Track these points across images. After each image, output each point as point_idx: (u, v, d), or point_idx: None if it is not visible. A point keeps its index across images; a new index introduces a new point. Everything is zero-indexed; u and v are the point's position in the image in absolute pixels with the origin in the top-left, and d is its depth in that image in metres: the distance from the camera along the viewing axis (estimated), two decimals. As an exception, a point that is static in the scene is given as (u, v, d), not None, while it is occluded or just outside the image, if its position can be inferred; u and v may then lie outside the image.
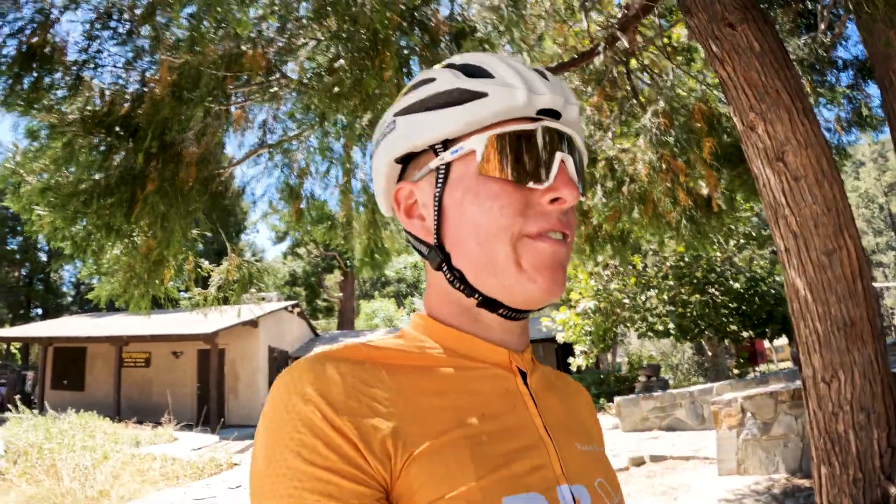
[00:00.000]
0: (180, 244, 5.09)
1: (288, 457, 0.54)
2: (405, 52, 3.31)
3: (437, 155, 0.69)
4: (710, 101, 6.12)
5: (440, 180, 0.68)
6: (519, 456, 0.61)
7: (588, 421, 0.81)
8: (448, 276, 0.68)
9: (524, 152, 0.65)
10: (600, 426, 0.87)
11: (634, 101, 6.44)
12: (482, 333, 0.69)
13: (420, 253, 0.72)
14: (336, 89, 3.32)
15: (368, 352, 0.63)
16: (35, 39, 3.40)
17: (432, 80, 0.71)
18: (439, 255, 0.68)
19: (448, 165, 0.68)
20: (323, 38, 3.35)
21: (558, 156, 0.66)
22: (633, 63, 6.92)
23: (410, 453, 0.56)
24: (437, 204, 0.68)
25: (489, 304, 0.67)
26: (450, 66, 0.71)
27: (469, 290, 0.67)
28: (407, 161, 0.73)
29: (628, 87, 6.66)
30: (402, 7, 3.14)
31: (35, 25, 3.45)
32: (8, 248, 30.20)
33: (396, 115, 0.72)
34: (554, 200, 0.66)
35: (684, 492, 5.99)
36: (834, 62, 5.98)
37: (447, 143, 0.68)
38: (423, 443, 0.57)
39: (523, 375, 0.71)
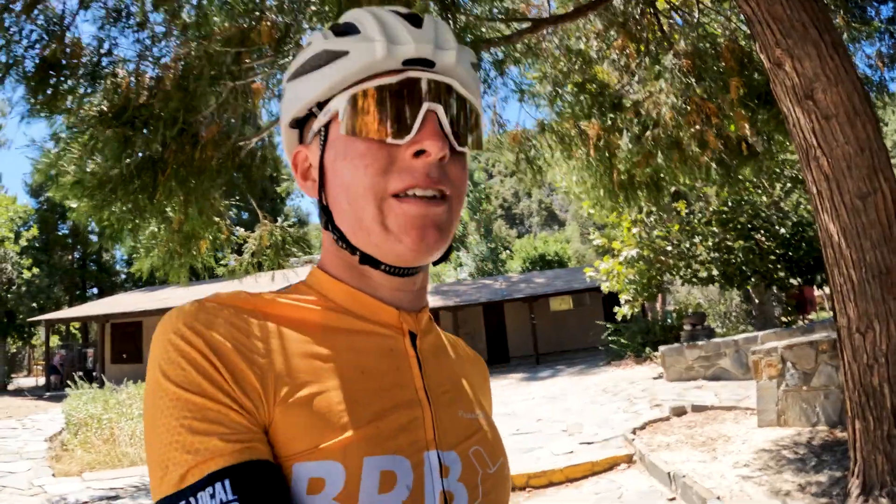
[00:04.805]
0: (206, 220, 5.21)
1: (177, 391, 0.54)
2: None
3: (315, 118, 0.69)
4: (741, 39, 5.77)
5: (322, 142, 0.68)
6: (390, 415, 0.61)
7: (479, 391, 0.80)
8: (332, 234, 0.69)
9: (384, 107, 0.64)
10: (490, 398, 0.88)
11: (662, 42, 6.13)
12: (371, 291, 0.69)
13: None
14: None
15: (255, 301, 0.64)
16: (49, 51, 3.50)
17: (309, 44, 0.71)
18: (323, 215, 0.69)
19: (328, 127, 0.67)
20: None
21: (424, 107, 0.64)
22: (661, 4, 6.57)
23: (280, 402, 0.56)
24: (319, 166, 0.69)
25: (369, 260, 0.67)
26: (335, 24, 0.71)
27: (350, 247, 0.67)
28: (302, 125, 0.73)
29: (655, 28, 6.34)
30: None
31: (49, 35, 3.55)
32: (60, 233, 31.45)
33: (286, 82, 0.72)
34: (419, 154, 0.63)
35: (723, 442, 5.90)
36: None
37: (321, 105, 0.68)
38: (295, 393, 0.57)
39: (413, 337, 0.70)
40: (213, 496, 0.50)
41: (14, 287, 24.52)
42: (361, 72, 0.65)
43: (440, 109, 0.64)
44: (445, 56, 0.67)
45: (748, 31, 5.53)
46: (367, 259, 0.66)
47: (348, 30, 0.68)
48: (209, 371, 0.55)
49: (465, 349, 0.86)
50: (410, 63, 0.66)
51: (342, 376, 0.61)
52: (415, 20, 0.68)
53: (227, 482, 0.51)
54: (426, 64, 0.67)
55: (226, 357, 0.57)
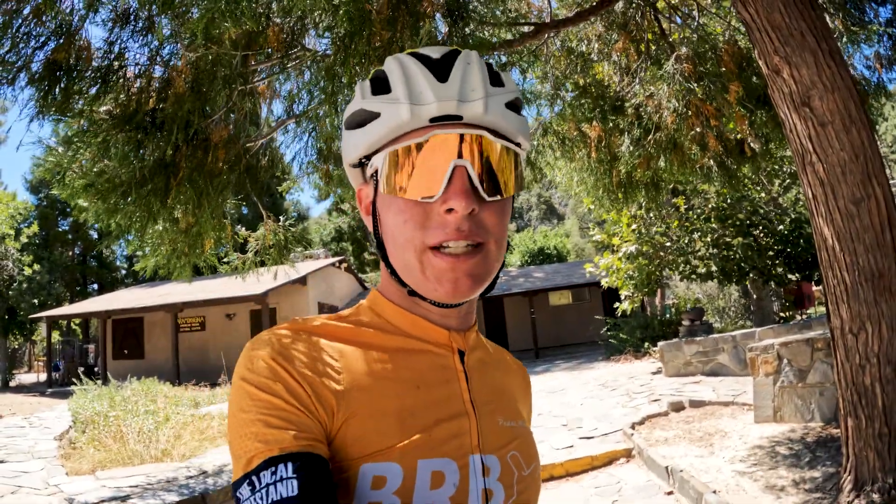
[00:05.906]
0: (215, 221, 5.29)
1: (258, 393, 0.64)
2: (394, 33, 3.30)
3: (367, 164, 0.76)
4: (740, 41, 5.85)
5: (374, 187, 0.75)
6: (442, 425, 0.70)
7: (519, 399, 0.89)
8: (388, 268, 0.76)
9: (413, 167, 0.69)
10: (531, 403, 0.96)
11: (664, 44, 6.20)
12: (424, 314, 0.77)
13: None
14: (333, 68, 3.37)
15: (326, 327, 0.74)
16: (58, 54, 3.55)
17: (353, 95, 0.77)
18: (380, 252, 0.76)
19: (376, 176, 0.74)
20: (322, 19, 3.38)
21: (451, 164, 0.68)
22: (661, 4, 6.64)
23: (351, 413, 0.66)
24: (373, 209, 0.76)
25: (416, 293, 0.74)
26: (373, 75, 0.76)
27: (400, 281, 0.75)
28: (361, 166, 0.78)
29: (656, 29, 6.41)
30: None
31: (58, 37, 3.59)
32: (60, 230, 31.47)
33: (343, 129, 0.79)
34: (449, 210, 0.68)
35: (720, 437, 6.02)
36: (872, -5, 5.62)
37: (368, 157, 0.75)
38: (363, 407, 0.67)
39: (462, 354, 0.79)
40: (274, 473, 0.59)
41: (15, 284, 24.57)
42: (392, 132, 0.70)
43: (468, 164, 0.68)
44: (471, 108, 0.70)
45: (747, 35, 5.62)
46: (414, 293, 0.74)
47: (381, 87, 0.73)
48: (291, 382, 0.65)
49: (510, 360, 0.93)
50: (437, 120, 0.70)
51: (401, 392, 0.70)
52: (443, 69, 0.71)
53: (289, 464, 0.59)
54: (454, 118, 0.70)
55: (306, 374, 0.66)
